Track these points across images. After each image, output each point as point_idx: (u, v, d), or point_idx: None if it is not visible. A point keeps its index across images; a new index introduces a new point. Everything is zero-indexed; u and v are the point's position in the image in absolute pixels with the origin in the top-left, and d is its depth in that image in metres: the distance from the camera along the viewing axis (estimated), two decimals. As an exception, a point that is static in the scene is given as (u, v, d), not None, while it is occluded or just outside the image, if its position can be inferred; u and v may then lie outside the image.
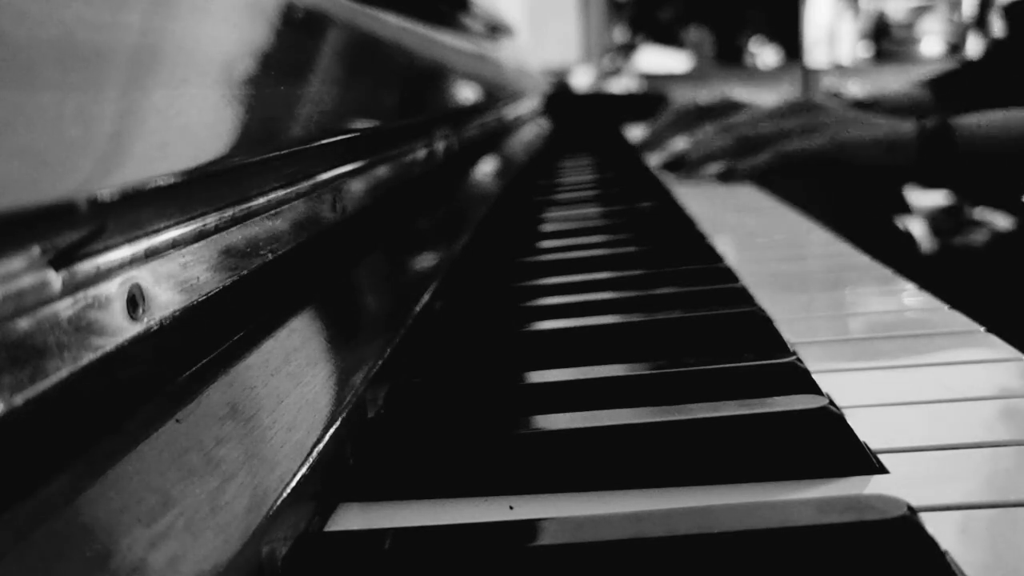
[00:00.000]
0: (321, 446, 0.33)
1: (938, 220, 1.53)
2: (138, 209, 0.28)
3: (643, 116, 2.13)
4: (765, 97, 1.53)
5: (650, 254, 0.71)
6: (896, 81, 1.90)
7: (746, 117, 1.22)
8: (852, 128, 1.10)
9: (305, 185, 0.45)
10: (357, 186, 0.54)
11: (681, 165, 1.22)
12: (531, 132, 1.67)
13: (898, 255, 0.76)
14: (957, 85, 1.41)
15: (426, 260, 0.64)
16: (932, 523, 0.27)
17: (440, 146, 0.80)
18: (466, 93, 1.00)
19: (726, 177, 1.15)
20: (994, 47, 1.50)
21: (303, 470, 0.30)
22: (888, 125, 1.09)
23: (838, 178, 1.13)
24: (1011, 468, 0.33)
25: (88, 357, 0.24)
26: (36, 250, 0.22)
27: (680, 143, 1.42)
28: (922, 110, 1.39)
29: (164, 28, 0.32)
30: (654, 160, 1.38)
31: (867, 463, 0.33)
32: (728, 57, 4.60)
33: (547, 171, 1.42)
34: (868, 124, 1.11)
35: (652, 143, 1.53)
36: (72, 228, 0.24)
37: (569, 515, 0.29)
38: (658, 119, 1.61)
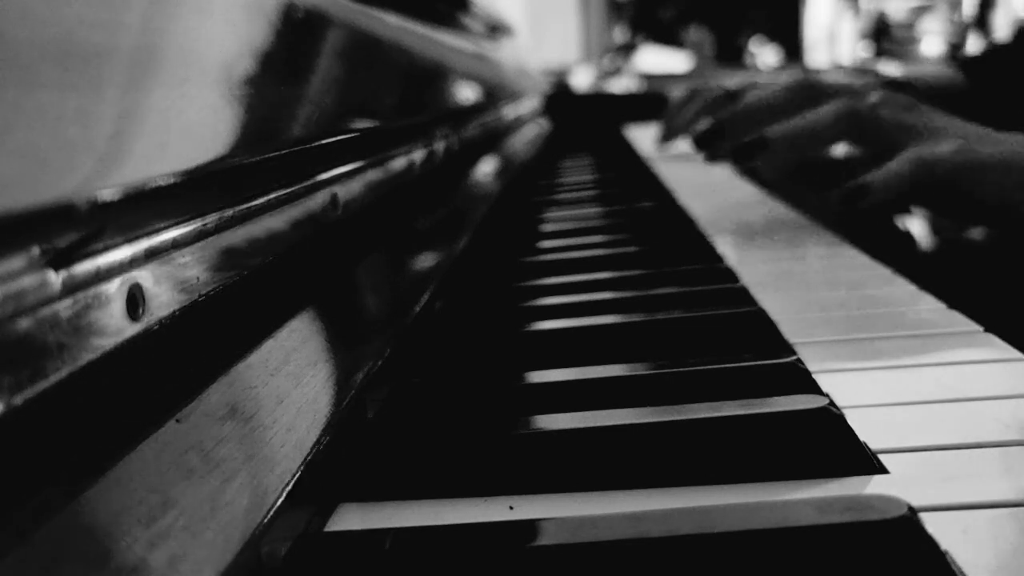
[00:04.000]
0: (321, 446, 0.33)
1: (938, 219, 1.53)
2: (138, 209, 0.28)
3: (643, 116, 2.13)
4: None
5: (650, 254, 0.71)
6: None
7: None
8: (977, 142, 0.70)
9: (305, 185, 0.45)
10: (357, 186, 0.54)
11: (751, 153, 0.82)
12: (531, 132, 1.67)
13: (898, 255, 0.75)
14: (990, 67, 1.39)
15: (426, 260, 0.64)
16: (932, 523, 0.27)
17: (440, 146, 0.80)
18: (466, 93, 1.00)
19: (854, 198, 0.71)
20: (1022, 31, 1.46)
21: (303, 470, 0.30)
22: (1017, 143, 0.70)
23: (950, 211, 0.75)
24: (1012, 468, 0.33)
25: (88, 357, 0.24)
26: (36, 250, 0.22)
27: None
28: (954, 92, 1.37)
29: (164, 28, 0.32)
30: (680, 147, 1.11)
31: (867, 463, 0.33)
32: (728, 57, 4.61)
33: (547, 171, 1.42)
34: (990, 138, 0.71)
35: (676, 128, 1.24)
36: (72, 228, 0.24)
37: (569, 515, 0.29)
38: (671, 109, 1.42)
